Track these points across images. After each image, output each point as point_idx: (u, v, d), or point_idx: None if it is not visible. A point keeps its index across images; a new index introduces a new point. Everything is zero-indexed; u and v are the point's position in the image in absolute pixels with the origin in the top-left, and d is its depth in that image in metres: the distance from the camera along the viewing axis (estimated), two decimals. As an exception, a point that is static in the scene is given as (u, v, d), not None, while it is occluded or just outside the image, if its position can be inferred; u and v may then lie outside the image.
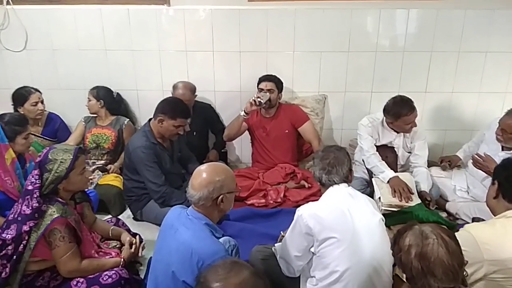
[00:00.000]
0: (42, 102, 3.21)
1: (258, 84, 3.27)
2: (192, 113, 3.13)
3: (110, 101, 3.42)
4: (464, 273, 1.32)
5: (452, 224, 2.72)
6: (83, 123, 3.45)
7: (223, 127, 3.57)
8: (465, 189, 3.03)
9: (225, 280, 1.16)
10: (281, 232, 2.25)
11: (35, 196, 1.90)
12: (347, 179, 1.95)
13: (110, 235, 2.33)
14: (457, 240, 1.34)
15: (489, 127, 2.99)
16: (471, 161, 2.89)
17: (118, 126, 3.38)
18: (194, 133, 3.37)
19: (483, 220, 2.39)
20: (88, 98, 3.38)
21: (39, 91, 3.22)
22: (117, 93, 3.53)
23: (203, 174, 1.74)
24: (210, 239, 1.67)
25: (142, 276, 2.28)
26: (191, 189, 1.74)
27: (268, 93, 3.20)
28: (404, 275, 1.39)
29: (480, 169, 2.79)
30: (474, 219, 2.65)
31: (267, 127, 3.34)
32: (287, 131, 3.35)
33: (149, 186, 2.78)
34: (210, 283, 1.16)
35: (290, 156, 3.39)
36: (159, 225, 1.89)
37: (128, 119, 3.46)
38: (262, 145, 3.38)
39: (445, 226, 2.57)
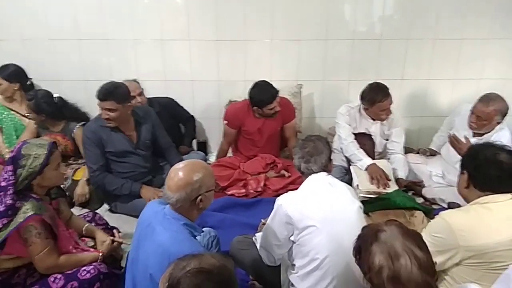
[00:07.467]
0: None
1: (264, 105, 3.03)
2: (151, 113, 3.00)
3: (52, 111, 3.04)
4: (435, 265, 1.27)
5: (428, 209, 2.78)
6: (34, 124, 3.12)
7: (189, 116, 3.58)
8: (440, 174, 3.08)
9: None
10: (262, 220, 2.26)
11: (9, 193, 1.85)
12: (326, 168, 1.95)
13: (84, 232, 2.25)
14: (426, 246, 1.28)
15: (459, 113, 3.02)
16: (448, 141, 2.90)
17: (69, 132, 3.12)
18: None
19: (458, 204, 2.44)
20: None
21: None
22: (58, 97, 3.12)
23: (180, 174, 1.66)
24: (189, 241, 1.60)
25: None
26: (168, 190, 1.65)
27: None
28: None
29: (455, 148, 2.79)
30: (450, 204, 2.72)
31: (261, 127, 3.19)
32: (279, 128, 3.25)
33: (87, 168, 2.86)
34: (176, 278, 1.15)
35: (274, 149, 3.33)
36: (136, 216, 1.85)
37: (78, 125, 3.11)
38: (251, 142, 3.27)
39: (421, 211, 2.65)
